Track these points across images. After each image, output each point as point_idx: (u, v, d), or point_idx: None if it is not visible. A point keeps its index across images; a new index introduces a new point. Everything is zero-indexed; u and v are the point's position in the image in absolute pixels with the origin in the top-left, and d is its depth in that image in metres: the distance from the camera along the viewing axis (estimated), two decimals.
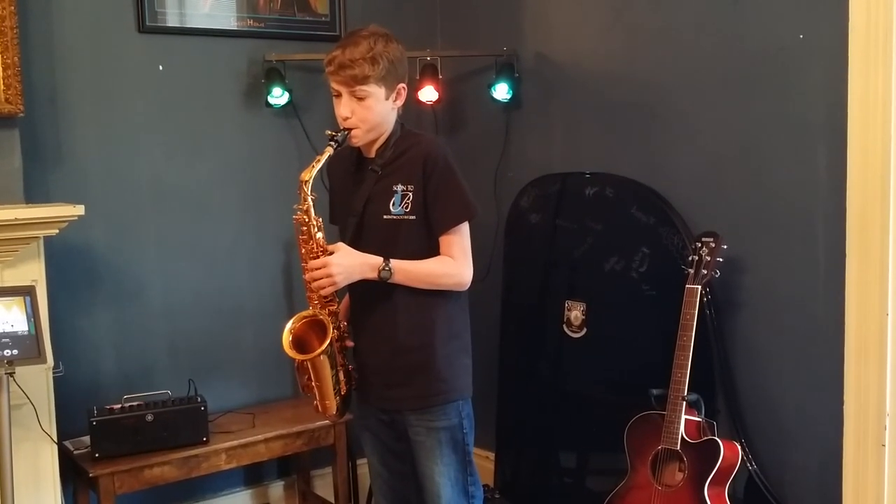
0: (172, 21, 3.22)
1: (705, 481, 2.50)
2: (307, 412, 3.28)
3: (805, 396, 2.63)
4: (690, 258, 2.64)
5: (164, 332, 3.27)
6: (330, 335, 2.21)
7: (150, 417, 2.91)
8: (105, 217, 3.09)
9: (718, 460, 2.50)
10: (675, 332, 2.59)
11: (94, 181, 3.08)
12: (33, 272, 2.73)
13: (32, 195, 2.86)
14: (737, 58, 2.74)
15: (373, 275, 2.20)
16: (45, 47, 2.97)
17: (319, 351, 2.20)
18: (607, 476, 2.89)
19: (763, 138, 2.69)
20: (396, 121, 2.30)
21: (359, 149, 2.30)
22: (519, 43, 3.46)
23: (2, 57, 2.72)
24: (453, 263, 2.25)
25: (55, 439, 2.81)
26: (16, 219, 2.61)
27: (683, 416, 2.56)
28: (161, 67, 3.21)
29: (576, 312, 3.09)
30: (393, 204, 2.24)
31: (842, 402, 2.51)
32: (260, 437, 3.10)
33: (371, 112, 2.21)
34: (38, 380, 2.71)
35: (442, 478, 2.30)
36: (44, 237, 2.75)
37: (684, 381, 2.55)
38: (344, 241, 2.27)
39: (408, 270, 2.22)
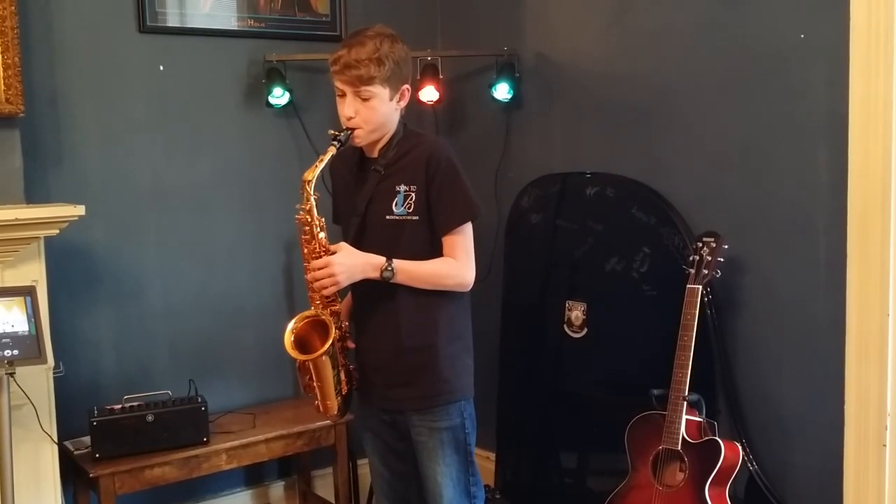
0: (173, 21, 3.22)
1: (706, 481, 2.50)
2: (308, 412, 3.28)
3: (806, 396, 2.63)
4: (691, 258, 2.64)
5: (165, 332, 3.27)
6: (332, 336, 2.21)
7: (150, 418, 2.91)
8: (105, 217, 3.09)
9: (719, 460, 2.50)
10: (676, 332, 2.59)
11: (95, 181, 3.08)
12: (34, 272, 2.73)
13: (33, 195, 2.86)
14: (737, 58, 2.74)
15: (375, 274, 2.20)
16: (45, 47, 2.97)
17: (322, 351, 2.20)
18: (608, 476, 2.89)
19: (764, 138, 2.69)
20: (399, 121, 2.30)
21: (361, 149, 2.30)
22: (519, 43, 3.46)
23: (2, 57, 2.72)
24: (456, 264, 2.25)
25: (55, 439, 2.81)
26: (16, 219, 2.61)
27: (684, 417, 2.56)
28: (161, 67, 3.21)
29: (576, 312, 3.09)
30: (396, 204, 2.24)
31: (843, 403, 2.51)
32: (260, 437, 3.10)
33: (375, 112, 2.20)
34: (38, 380, 2.71)
35: (444, 478, 2.30)
36: (44, 237, 2.75)
37: (685, 381, 2.55)
38: (346, 241, 2.27)
39: (410, 271, 2.22)
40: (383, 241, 2.24)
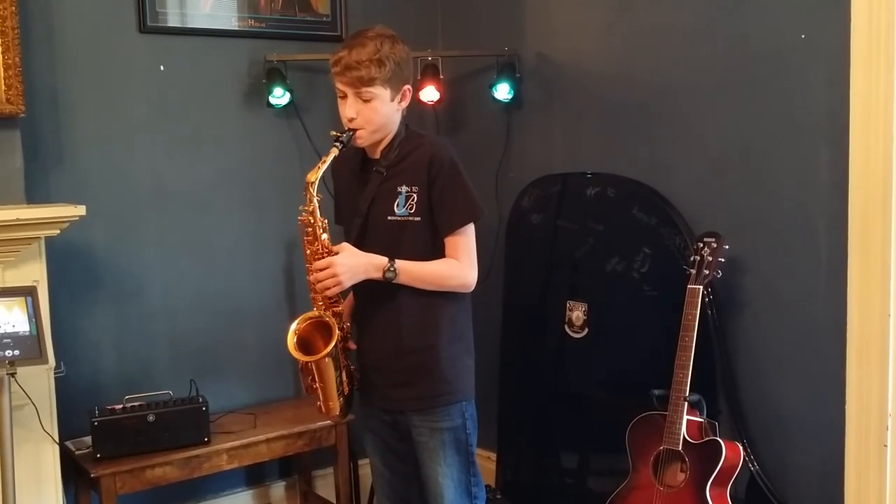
0: (173, 21, 3.22)
1: (707, 482, 2.50)
2: (308, 412, 3.28)
3: (807, 397, 2.63)
4: (692, 258, 2.64)
5: (166, 332, 3.27)
6: (335, 337, 2.21)
7: (151, 418, 2.91)
8: (106, 217, 3.09)
9: (720, 461, 2.50)
10: (677, 332, 2.59)
11: (96, 181, 3.08)
12: (35, 272, 2.73)
13: (34, 195, 2.86)
14: (738, 58, 2.74)
15: (377, 275, 2.20)
16: (46, 47, 2.97)
17: (325, 353, 2.20)
18: (609, 476, 2.89)
19: (765, 138, 2.69)
20: (401, 122, 2.30)
21: (363, 149, 2.30)
22: (520, 43, 3.46)
23: (3, 57, 2.72)
24: (458, 265, 2.25)
25: (56, 440, 2.81)
26: (17, 219, 2.61)
27: (685, 417, 2.56)
28: (162, 68, 3.21)
29: (577, 313, 3.09)
30: (397, 205, 2.24)
31: (843, 403, 2.51)
32: (261, 437, 3.10)
33: (376, 113, 2.20)
34: (39, 380, 2.71)
35: (445, 479, 2.30)
36: (45, 237, 2.75)
37: (686, 382, 2.55)
38: (349, 242, 2.27)
39: (412, 271, 2.22)
40: (385, 241, 2.24)
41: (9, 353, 2.42)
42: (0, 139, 2.75)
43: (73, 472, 2.95)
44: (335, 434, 3.25)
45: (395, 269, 2.20)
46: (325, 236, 2.22)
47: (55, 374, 2.78)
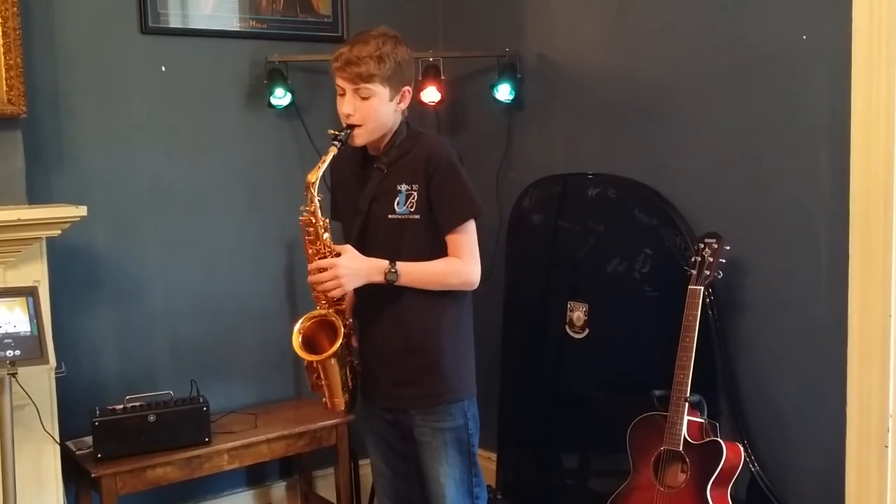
0: (175, 22, 3.22)
1: (708, 482, 2.50)
2: (309, 412, 3.30)
3: (808, 398, 2.63)
4: (693, 259, 2.64)
5: (166, 332, 3.28)
6: (341, 336, 2.21)
7: (152, 418, 2.91)
8: (107, 218, 3.09)
9: (721, 461, 2.50)
10: (678, 333, 2.59)
11: (97, 182, 3.09)
12: (36, 273, 2.73)
13: (35, 196, 2.86)
14: (739, 59, 2.74)
15: (379, 278, 2.21)
16: (47, 48, 2.97)
17: (331, 352, 2.21)
18: (609, 477, 2.88)
19: (766, 139, 2.69)
20: (402, 121, 2.30)
21: (364, 147, 2.30)
22: (521, 44, 3.46)
23: (4, 58, 2.72)
24: (460, 263, 2.25)
25: (57, 440, 2.81)
26: (18, 219, 2.61)
27: (686, 418, 2.56)
28: (163, 68, 3.21)
29: (578, 313, 3.09)
30: (398, 203, 2.24)
31: (844, 404, 2.51)
32: (262, 437, 3.10)
33: (374, 111, 2.21)
34: (40, 380, 2.71)
35: (447, 479, 2.30)
36: (46, 238, 2.75)
37: (687, 382, 2.55)
38: (349, 241, 2.27)
39: (414, 272, 2.22)
40: (385, 240, 2.25)
41: (10, 353, 2.43)
42: (1, 140, 2.75)
43: (74, 472, 2.95)
44: (336, 434, 3.25)
45: (396, 272, 2.21)
46: (326, 236, 2.22)
47: (56, 374, 2.78)
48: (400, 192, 2.24)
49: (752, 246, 2.71)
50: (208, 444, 2.99)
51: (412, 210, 2.23)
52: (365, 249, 2.24)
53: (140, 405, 2.95)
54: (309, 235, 2.23)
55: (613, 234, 3.01)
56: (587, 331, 3.06)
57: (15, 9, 2.73)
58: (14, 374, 2.44)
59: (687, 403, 2.56)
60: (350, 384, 2.33)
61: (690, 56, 2.88)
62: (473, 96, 3.67)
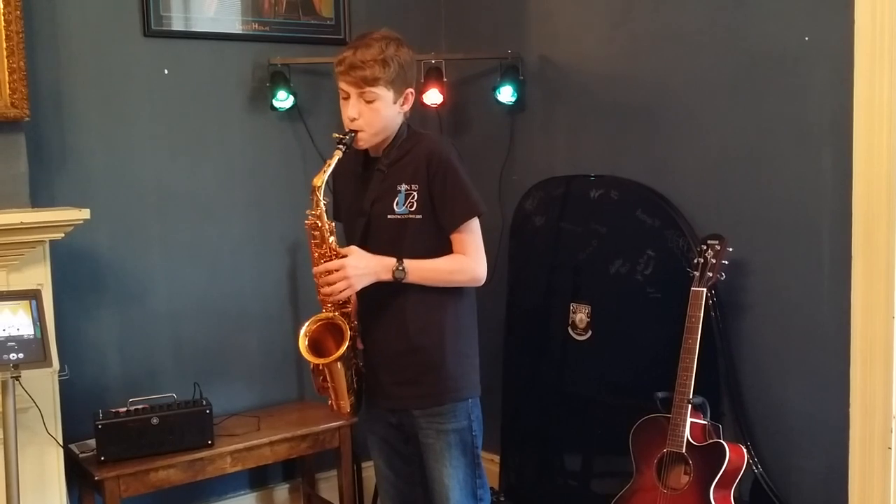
0: (177, 25, 3.22)
1: (711, 484, 2.50)
2: (312, 415, 3.30)
3: (811, 399, 2.62)
4: (696, 261, 2.64)
5: (169, 335, 3.28)
6: (347, 339, 2.22)
7: (155, 420, 2.91)
8: (110, 221, 3.09)
9: (724, 463, 2.50)
10: (681, 334, 2.58)
11: (100, 185, 3.09)
12: (39, 276, 2.74)
13: (38, 199, 2.87)
14: (742, 60, 2.74)
15: (387, 276, 2.21)
16: (50, 51, 2.98)
17: (338, 355, 2.21)
18: (612, 479, 2.89)
19: (768, 140, 2.69)
20: (403, 122, 2.30)
21: (366, 149, 2.31)
22: (523, 46, 3.46)
23: (7, 61, 2.73)
24: (466, 260, 2.26)
25: (61, 443, 2.81)
26: (21, 223, 2.61)
27: (689, 419, 2.56)
28: (166, 71, 3.22)
29: (581, 315, 3.09)
30: (397, 203, 2.24)
31: (848, 405, 2.51)
32: (265, 440, 3.10)
33: (378, 115, 2.21)
34: (43, 383, 2.71)
35: (451, 480, 2.30)
36: (49, 241, 2.75)
37: (689, 384, 2.55)
38: (352, 242, 2.27)
39: (422, 269, 2.23)
40: (387, 240, 2.25)
41: (13, 356, 2.42)
42: (5, 143, 2.75)
43: (77, 475, 2.95)
44: (339, 436, 3.25)
45: (404, 269, 2.21)
46: (332, 239, 2.23)
47: (59, 377, 2.78)
48: (399, 192, 2.24)
49: (754, 247, 2.71)
50: (211, 446, 2.99)
51: (412, 210, 2.23)
52: (367, 250, 2.24)
53: (143, 408, 2.95)
54: (315, 239, 2.24)
55: (616, 236, 3.01)
56: (590, 332, 3.06)
57: (18, 12, 2.73)
58: (17, 378, 2.44)
59: (690, 405, 2.56)
60: (356, 386, 2.34)
61: (692, 57, 2.88)
62: (476, 98, 3.67)
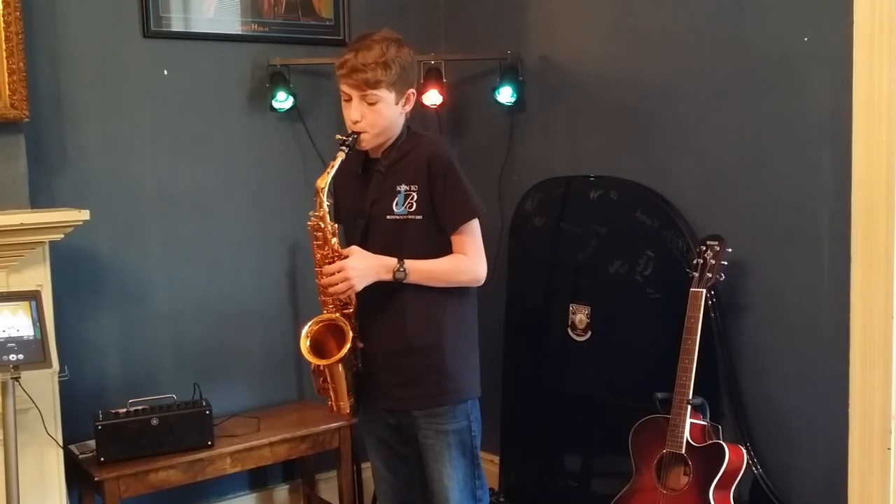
0: (177, 26, 3.22)
1: (710, 485, 2.50)
2: (312, 415, 3.30)
3: (810, 400, 2.62)
4: (695, 261, 2.64)
5: (169, 336, 3.28)
6: (349, 340, 2.22)
7: (155, 421, 2.91)
8: (110, 222, 3.09)
9: (723, 464, 2.50)
10: (680, 335, 2.58)
11: (99, 186, 3.09)
12: (39, 277, 2.74)
13: (37, 200, 2.87)
14: (741, 61, 2.74)
15: (388, 276, 2.22)
16: (50, 52, 2.98)
17: (340, 356, 2.22)
18: (612, 479, 2.88)
19: (768, 141, 2.69)
20: (404, 124, 2.31)
21: (365, 150, 2.31)
22: (523, 46, 3.46)
23: (7, 62, 2.73)
24: (467, 260, 2.26)
25: (61, 443, 2.81)
26: (21, 224, 2.61)
27: (688, 420, 2.56)
28: (166, 72, 3.22)
29: (580, 316, 3.09)
30: (396, 204, 2.25)
31: (847, 406, 2.51)
32: (265, 440, 3.10)
33: (381, 117, 2.21)
34: (43, 384, 2.71)
35: (450, 481, 2.30)
36: (49, 242, 2.75)
37: (689, 385, 2.55)
38: (352, 243, 2.28)
39: (423, 269, 2.23)
40: (386, 241, 2.26)
41: (13, 357, 2.43)
42: (4, 144, 2.76)
43: (77, 476, 2.95)
44: (339, 437, 3.25)
45: (405, 269, 2.21)
46: (334, 240, 2.24)
47: (59, 378, 2.78)
48: (399, 192, 2.25)
49: (754, 248, 2.71)
50: (211, 447, 2.99)
51: (411, 210, 2.24)
52: (367, 250, 2.25)
53: (143, 409, 2.95)
54: (317, 240, 2.24)
55: (615, 237, 3.01)
56: (589, 333, 3.06)
57: (17, 13, 2.73)
58: (17, 378, 2.44)
59: (689, 406, 2.56)
60: (356, 387, 2.34)
61: (692, 58, 2.88)
62: (475, 99, 3.67)
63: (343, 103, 2.25)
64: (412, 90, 2.28)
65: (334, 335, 2.26)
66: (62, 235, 2.74)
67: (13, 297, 2.52)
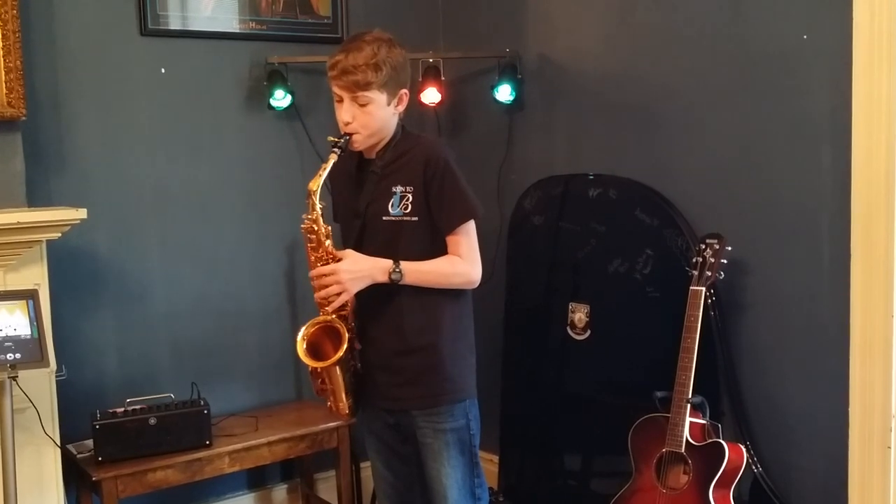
0: (174, 24, 3.21)
1: (710, 484, 2.49)
2: (310, 415, 3.29)
3: (810, 398, 2.62)
4: (694, 260, 2.64)
5: (167, 335, 3.27)
6: (346, 342, 2.21)
7: (153, 421, 2.90)
8: (108, 220, 3.09)
9: (723, 463, 2.49)
10: (680, 334, 2.58)
11: (97, 184, 3.08)
12: (36, 276, 2.73)
13: (35, 199, 2.86)
14: (740, 59, 2.73)
15: (383, 278, 2.21)
16: (47, 51, 2.97)
17: (336, 358, 2.21)
18: (611, 479, 2.88)
19: (767, 139, 2.69)
20: (398, 123, 2.30)
21: (360, 151, 2.30)
22: (522, 44, 3.45)
23: (4, 60, 2.72)
24: (461, 262, 2.26)
25: (58, 443, 2.80)
26: (18, 222, 2.61)
27: (688, 419, 2.56)
28: (163, 70, 3.21)
29: (579, 314, 3.08)
30: (392, 205, 2.24)
31: (847, 404, 2.50)
32: (263, 440, 3.10)
33: (372, 118, 2.21)
34: (41, 383, 2.70)
35: (449, 480, 2.30)
36: (46, 241, 2.75)
37: (689, 384, 2.55)
38: (348, 244, 2.28)
39: (418, 271, 2.23)
40: (382, 242, 2.25)
41: (10, 356, 2.42)
42: (1, 142, 2.75)
43: (75, 476, 2.94)
44: (337, 436, 3.24)
45: (400, 271, 2.21)
46: (328, 243, 2.23)
47: (57, 377, 2.78)
48: (394, 193, 2.24)
49: (753, 246, 2.71)
50: (209, 446, 2.98)
51: (406, 211, 2.23)
52: (363, 252, 2.25)
53: (141, 408, 2.94)
54: (311, 243, 2.24)
55: (615, 235, 3.00)
56: (589, 332, 3.06)
57: (15, 11, 2.73)
58: (14, 378, 2.44)
59: (689, 405, 2.55)
60: (354, 388, 2.33)
61: (691, 56, 2.87)
62: (474, 97, 3.66)
63: (335, 104, 2.25)
64: (405, 90, 2.27)
65: (331, 337, 2.26)
66: (59, 234, 2.74)
67: (10, 296, 2.51)
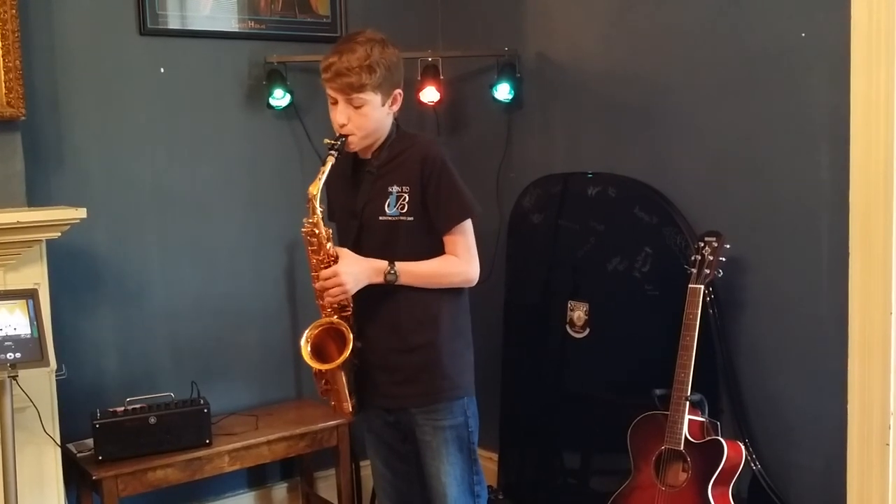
0: (174, 23, 3.21)
1: (709, 481, 2.50)
2: (310, 414, 3.30)
3: (809, 396, 2.63)
4: (693, 258, 2.64)
5: (167, 334, 3.27)
6: (350, 343, 2.22)
7: (153, 420, 2.91)
8: (107, 219, 3.09)
9: (722, 460, 2.50)
10: (679, 332, 2.58)
11: (96, 184, 3.09)
12: (36, 275, 2.73)
13: (34, 198, 2.86)
14: (739, 57, 2.73)
15: (379, 279, 2.22)
16: (46, 50, 2.97)
17: (342, 360, 2.22)
18: (611, 476, 2.88)
19: (766, 137, 2.69)
20: (393, 123, 2.30)
21: (355, 152, 2.31)
22: (520, 43, 3.45)
23: (3, 60, 2.72)
24: (458, 261, 2.26)
25: (58, 442, 2.81)
26: (18, 222, 2.61)
27: (687, 417, 2.56)
28: (162, 70, 3.21)
29: (579, 313, 3.08)
30: (388, 205, 2.25)
31: (846, 402, 2.51)
32: (263, 439, 3.10)
33: (367, 119, 2.21)
34: (41, 383, 2.71)
35: (448, 477, 2.30)
36: (46, 240, 2.75)
37: (687, 381, 2.55)
38: (346, 244, 2.28)
39: (413, 272, 2.23)
40: (379, 242, 2.26)
41: (10, 355, 2.42)
42: (1, 142, 2.75)
43: (75, 475, 2.95)
44: (337, 435, 3.25)
45: (395, 272, 2.21)
46: (329, 245, 2.23)
47: (57, 376, 2.78)
48: (391, 193, 2.24)
49: (752, 244, 2.71)
50: (209, 445, 2.99)
51: (403, 211, 2.24)
52: (361, 252, 2.26)
53: (141, 407, 2.94)
54: (312, 246, 2.25)
55: (614, 233, 3.01)
56: (588, 330, 3.06)
57: (14, 11, 2.73)
58: (15, 377, 2.44)
59: (688, 402, 2.56)
60: (357, 387, 2.34)
61: (690, 54, 2.88)
62: (473, 96, 3.66)
63: (329, 106, 2.25)
64: (399, 90, 2.27)
65: (334, 338, 2.26)
66: (59, 234, 2.74)
67: (10, 295, 2.51)
